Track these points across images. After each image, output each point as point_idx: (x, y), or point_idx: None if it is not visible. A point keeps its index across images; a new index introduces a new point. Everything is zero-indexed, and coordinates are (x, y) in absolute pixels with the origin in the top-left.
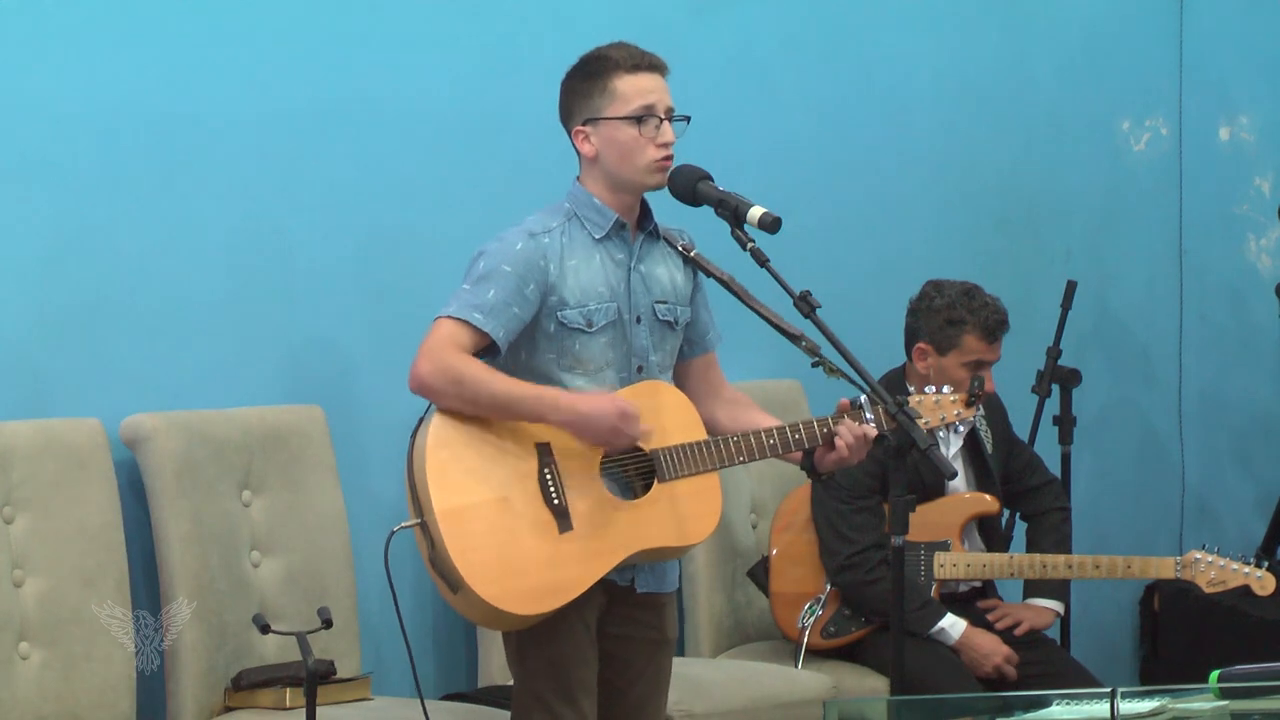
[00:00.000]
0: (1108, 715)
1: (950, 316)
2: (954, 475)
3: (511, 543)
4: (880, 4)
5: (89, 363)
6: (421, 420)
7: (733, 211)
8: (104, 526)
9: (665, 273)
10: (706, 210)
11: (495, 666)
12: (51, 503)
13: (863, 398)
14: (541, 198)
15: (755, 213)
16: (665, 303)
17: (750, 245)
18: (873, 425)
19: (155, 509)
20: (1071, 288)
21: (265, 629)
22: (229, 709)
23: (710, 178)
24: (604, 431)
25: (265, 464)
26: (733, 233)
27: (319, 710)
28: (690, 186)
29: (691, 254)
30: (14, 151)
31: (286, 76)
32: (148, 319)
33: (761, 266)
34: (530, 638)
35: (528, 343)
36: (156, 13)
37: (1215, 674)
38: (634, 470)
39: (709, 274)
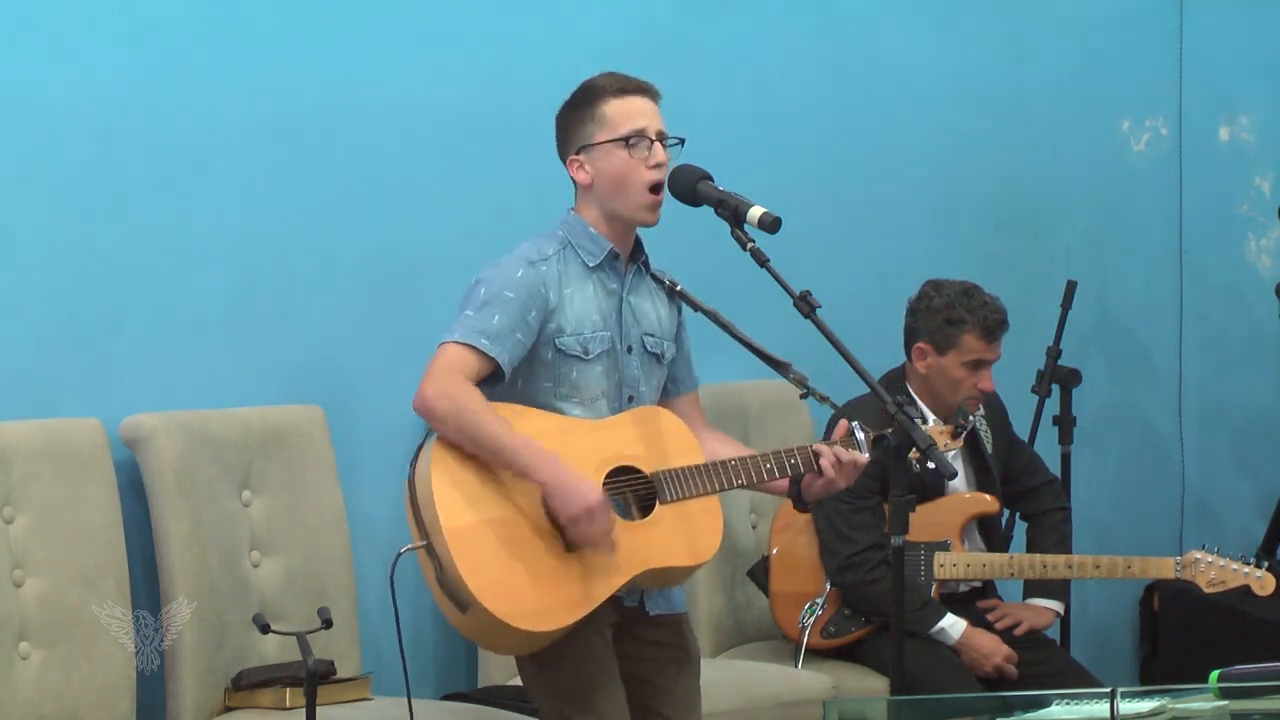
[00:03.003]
0: (1108, 715)
1: (949, 316)
2: (954, 475)
3: (519, 560)
4: (880, 5)
5: (89, 363)
6: (421, 445)
7: (733, 211)
8: (104, 526)
9: (651, 308)
10: (706, 210)
11: (495, 667)
12: (51, 503)
13: (855, 425)
14: (540, 202)
15: (755, 213)
16: (653, 335)
17: (750, 245)
18: (863, 454)
19: (155, 509)
20: (1071, 288)
21: (265, 629)
22: (229, 709)
23: (710, 178)
24: (575, 510)
25: (265, 464)
26: (733, 233)
27: (319, 710)
28: (690, 186)
29: (677, 289)
30: (14, 153)
31: (287, 80)
32: (148, 319)
33: (761, 266)
34: (547, 656)
35: (525, 371)
36: (157, 15)
37: (1215, 674)
38: (633, 493)
39: (695, 307)
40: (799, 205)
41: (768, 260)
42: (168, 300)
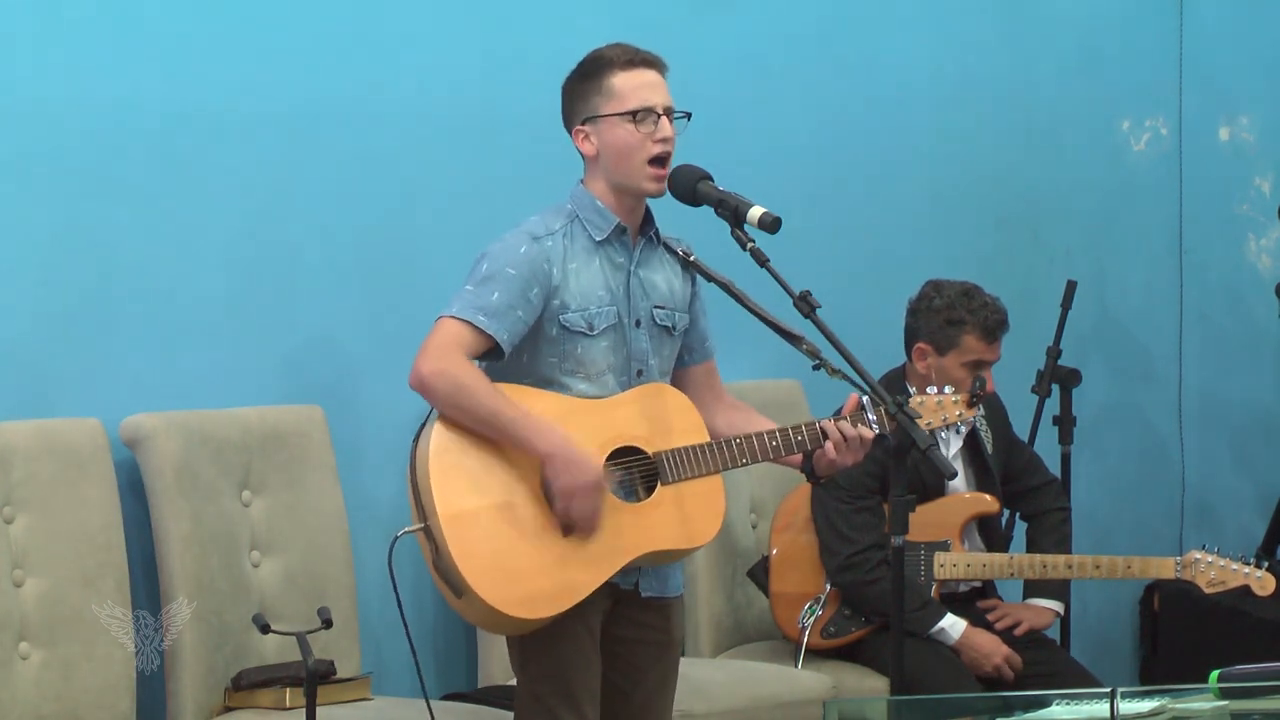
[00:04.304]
0: (1108, 715)
1: (950, 317)
2: (954, 475)
3: (515, 546)
4: (880, 4)
5: (89, 363)
6: (423, 425)
7: (733, 211)
8: (104, 526)
9: (663, 279)
10: (706, 210)
11: (495, 666)
12: (51, 503)
13: (865, 399)
14: (542, 197)
15: (755, 213)
16: (664, 308)
17: (750, 245)
18: (873, 428)
19: (155, 509)
20: (1071, 288)
21: (265, 629)
22: (229, 709)
23: (710, 178)
24: (569, 483)
25: (265, 464)
26: (733, 233)
27: (319, 710)
28: (690, 186)
29: (691, 259)
30: (14, 151)
31: (287, 76)
32: (148, 319)
33: (761, 266)
34: (533, 642)
35: (530, 346)
36: (156, 12)
37: (1215, 674)
38: (637, 473)
39: (709, 278)
40: (799, 205)
41: (768, 260)
42: (168, 300)
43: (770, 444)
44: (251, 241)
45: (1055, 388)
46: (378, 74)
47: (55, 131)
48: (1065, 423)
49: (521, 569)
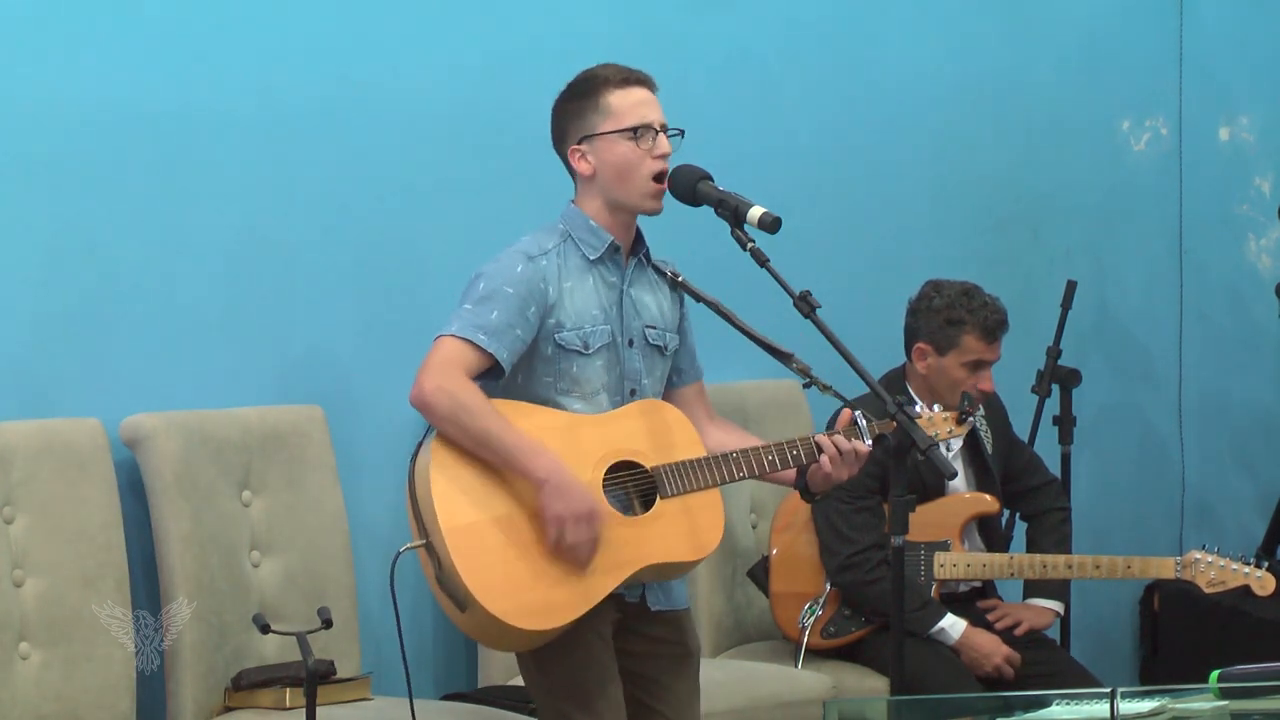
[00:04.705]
0: (1108, 715)
1: (949, 317)
2: (954, 475)
3: (518, 559)
4: (880, 4)
5: (89, 363)
6: (421, 441)
7: (733, 211)
8: (104, 526)
9: (653, 300)
10: (706, 210)
11: (495, 667)
12: (51, 503)
13: (858, 414)
14: (542, 197)
15: (755, 212)
16: (655, 328)
17: (750, 245)
18: (866, 443)
19: (155, 509)
20: (1071, 288)
21: (265, 629)
22: (229, 709)
23: (710, 177)
24: (569, 513)
25: (265, 464)
26: (733, 233)
27: (319, 710)
28: (690, 186)
29: (679, 280)
30: (14, 151)
31: (287, 78)
32: (148, 319)
33: (761, 266)
34: (546, 655)
35: (525, 366)
36: (156, 12)
37: (1215, 674)
38: (635, 488)
39: (697, 298)
40: (799, 205)
41: (768, 260)
42: (168, 300)
43: (767, 458)
44: (251, 241)
45: (1055, 388)
46: (378, 74)
47: (55, 131)
48: (1065, 423)
49: (525, 581)
